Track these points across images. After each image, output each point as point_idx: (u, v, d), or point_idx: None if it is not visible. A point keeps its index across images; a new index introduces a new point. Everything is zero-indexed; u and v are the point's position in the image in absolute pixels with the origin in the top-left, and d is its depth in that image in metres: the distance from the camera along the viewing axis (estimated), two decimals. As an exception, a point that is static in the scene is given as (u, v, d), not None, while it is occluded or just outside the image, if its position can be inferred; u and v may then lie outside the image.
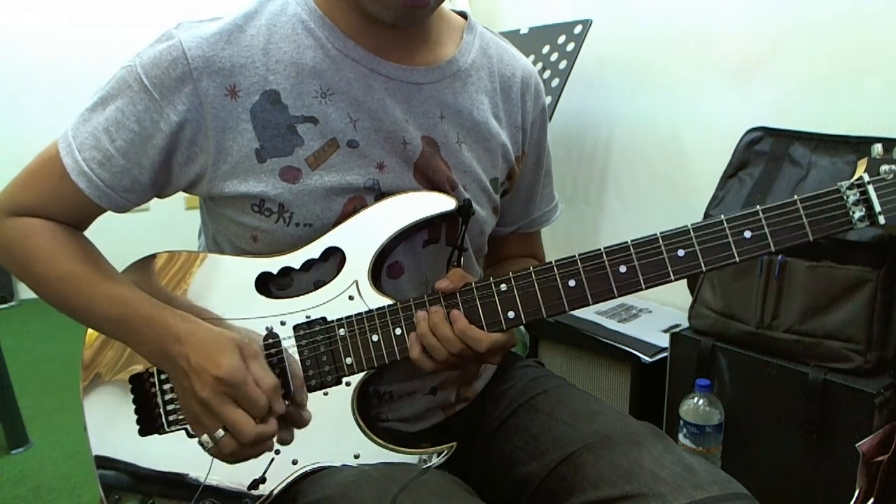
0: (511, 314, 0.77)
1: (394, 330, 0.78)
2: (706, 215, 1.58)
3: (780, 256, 1.39)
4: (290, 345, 0.80)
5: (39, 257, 0.79)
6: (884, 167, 0.72)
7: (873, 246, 1.30)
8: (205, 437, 0.72)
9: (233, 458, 0.72)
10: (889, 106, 1.52)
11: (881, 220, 0.72)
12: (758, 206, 0.73)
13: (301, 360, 0.79)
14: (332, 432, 0.79)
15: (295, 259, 0.80)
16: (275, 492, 0.78)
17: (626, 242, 0.74)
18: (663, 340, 1.67)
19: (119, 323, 0.77)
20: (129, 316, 0.76)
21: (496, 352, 0.77)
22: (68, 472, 1.90)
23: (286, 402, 0.74)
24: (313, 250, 0.80)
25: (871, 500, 1.20)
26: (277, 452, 0.79)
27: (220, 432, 0.70)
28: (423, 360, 0.77)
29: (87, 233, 0.85)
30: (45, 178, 0.79)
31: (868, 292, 1.31)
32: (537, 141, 0.95)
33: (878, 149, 0.74)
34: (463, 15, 0.90)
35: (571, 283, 0.75)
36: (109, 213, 0.82)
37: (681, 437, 1.50)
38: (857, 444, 1.18)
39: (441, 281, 0.78)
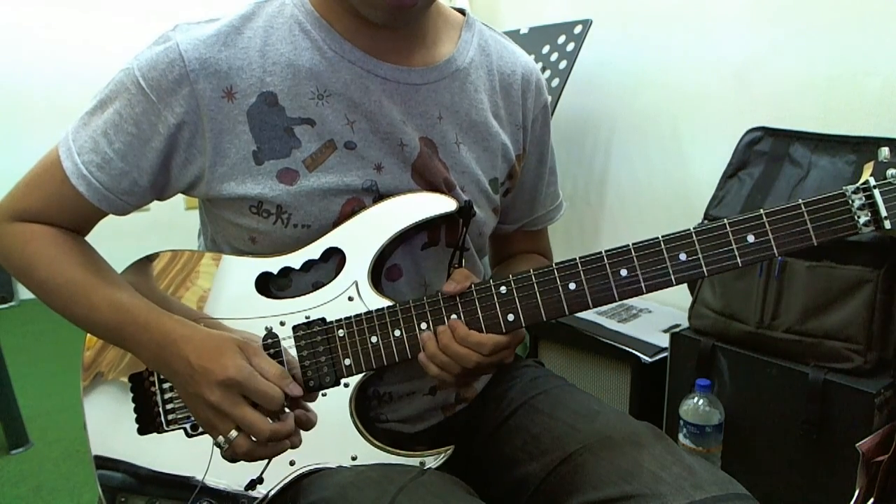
0: (511, 317, 0.76)
1: (393, 332, 0.78)
2: (706, 215, 1.58)
3: (780, 256, 1.39)
4: (289, 345, 0.79)
5: (39, 264, 0.79)
6: (890, 171, 0.70)
7: (873, 246, 1.30)
8: (220, 438, 0.72)
9: (248, 457, 0.72)
10: (889, 106, 1.52)
11: (887, 224, 0.69)
12: (761, 210, 0.71)
13: (300, 361, 0.79)
14: (329, 433, 0.78)
15: (295, 259, 0.80)
16: (272, 493, 0.78)
17: (628, 245, 0.73)
18: (663, 340, 1.67)
19: (117, 330, 0.77)
20: (127, 322, 0.76)
21: (502, 351, 0.77)
22: (68, 472, 1.90)
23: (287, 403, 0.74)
24: (313, 251, 0.79)
25: (871, 500, 1.20)
26: (276, 453, 0.79)
27: (234, 433, 0.70)
28: (442, 376, 0.77)
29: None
30: (46, 182, 0.79)
31: (868, 292, 1.31)
32: (539, 139, 0.94)
33: (884, 152, 0.72)
34: (462, 12, 0.89)
35: (572, 286, 0.75)
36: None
37: (681, 437, 1.50)
38: (857, 444, 1.18)
39: (448, 284, 0.77)
